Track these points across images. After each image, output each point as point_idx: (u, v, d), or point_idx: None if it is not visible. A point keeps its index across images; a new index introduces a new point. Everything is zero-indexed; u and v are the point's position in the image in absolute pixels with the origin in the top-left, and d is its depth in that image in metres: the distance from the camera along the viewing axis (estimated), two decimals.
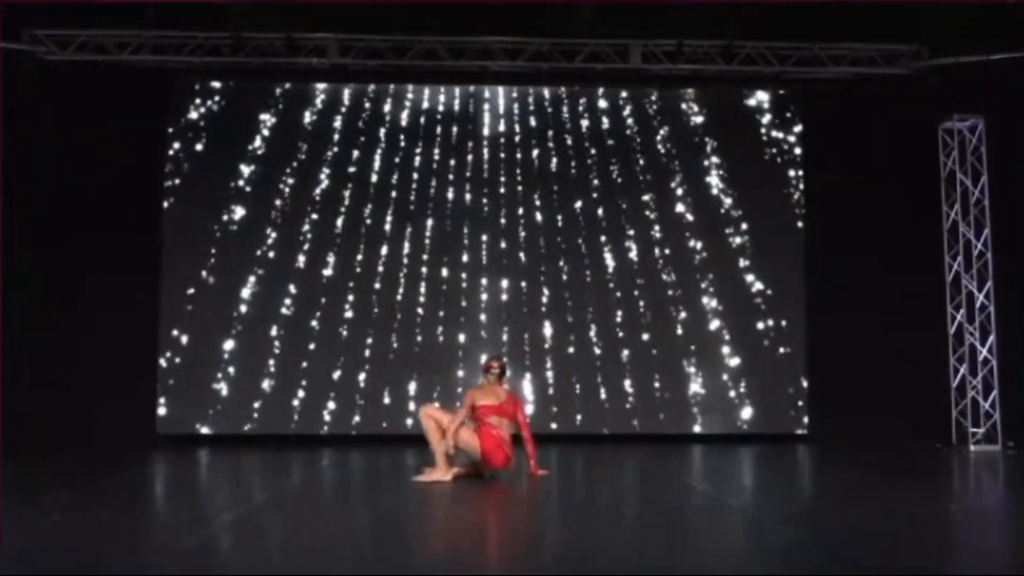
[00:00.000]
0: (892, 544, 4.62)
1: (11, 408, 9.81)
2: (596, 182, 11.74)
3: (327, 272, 11.46)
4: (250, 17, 10.80)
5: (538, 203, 11.69)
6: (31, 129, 10.76)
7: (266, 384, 11.24)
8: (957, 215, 10.99)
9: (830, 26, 10.95)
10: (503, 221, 11.68)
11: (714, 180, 11.76)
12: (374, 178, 11.62)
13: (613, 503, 6.66)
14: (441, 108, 11.83)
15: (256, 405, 11.20)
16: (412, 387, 11.22)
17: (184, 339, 11.22)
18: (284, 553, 4.62)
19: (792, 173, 11.76)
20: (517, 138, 11.81)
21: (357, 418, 11.25)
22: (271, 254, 11.45)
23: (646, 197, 11.73)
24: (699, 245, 11.67)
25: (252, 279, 11.38)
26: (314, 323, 11.36)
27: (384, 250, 11.53)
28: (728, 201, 11.73)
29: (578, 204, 11.69)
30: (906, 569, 4.05)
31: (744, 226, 11.69)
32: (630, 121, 11.85)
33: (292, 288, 11.41)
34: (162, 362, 11.15)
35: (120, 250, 11.00)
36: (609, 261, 11.62)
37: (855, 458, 9.39)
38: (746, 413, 11.44)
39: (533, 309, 11.55)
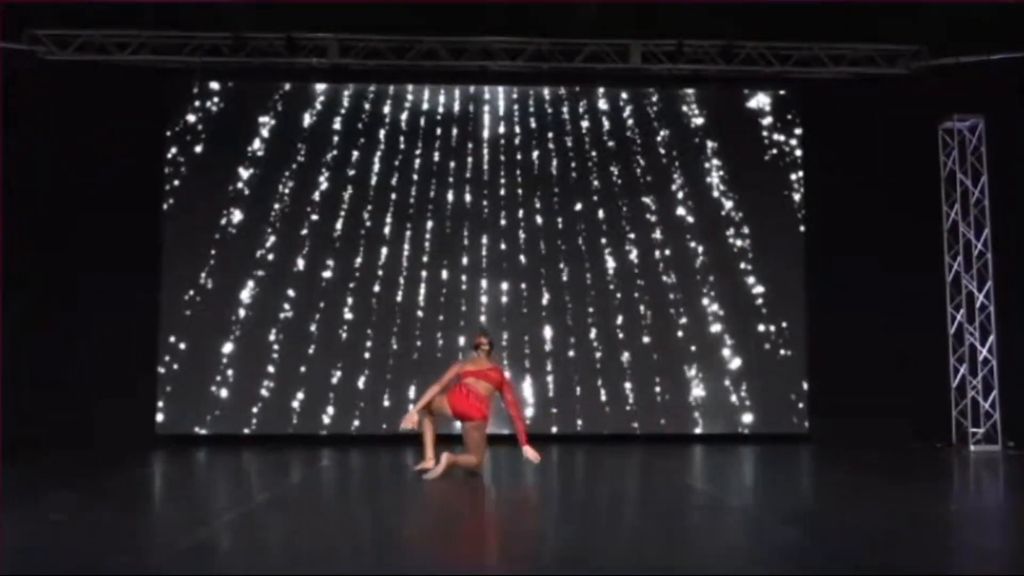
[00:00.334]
0: (892, 544, 4.62)
1: (11, 408, 9.80)
2: (596, 184, 11.72)
3: (326, 274, 11.44)
4: (250, 17, 10.78)
5: (538, 205, 11.67)
6: (31, 129, 10.75)
7: (265, 386, 11.22)
8: (957, 215, 10.99)
9: (830, 26, 10.94)
10: (503, 223, 11.66)
11: (715, 182, 11.75)
12: (374, 180, 11.60)
13: (613, 503, 6.65)
14: (441, 109, 11.82)
15: (255, 407, 11.18)
16: (412, 390, 11.21)
17: (184, 340, 11.20)
18: (284, 553, 4.61)
19: (792, 174, 11.73)
20: (517, 140, 11.79)
21: (357, 422, 11.22)
22: (271, 256, 11.42)
23: (646, 199, 11.71)
24: (699, 247, 11.65)
25: (251, 281, 11.36)
26: (313, 325, 11.34)
27: (384, 251, 11.50)
28: (728, 203, 11.71)
29: (578, 206, 11.67)
30: (906, 569, 4.05)
31: (744, 227, 11.67)
32: (630, 123, 11.83)
33: (292, 290, 11.38)
34: (162, 362, 11.13)
35: (120, 250, 10.99)
36: (609, 263, 11.61)
37: (855, 458, 9.38)
38: (746, 413, 11.42)
39: (533, 311, 11.52)
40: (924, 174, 11.13)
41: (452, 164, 11.70)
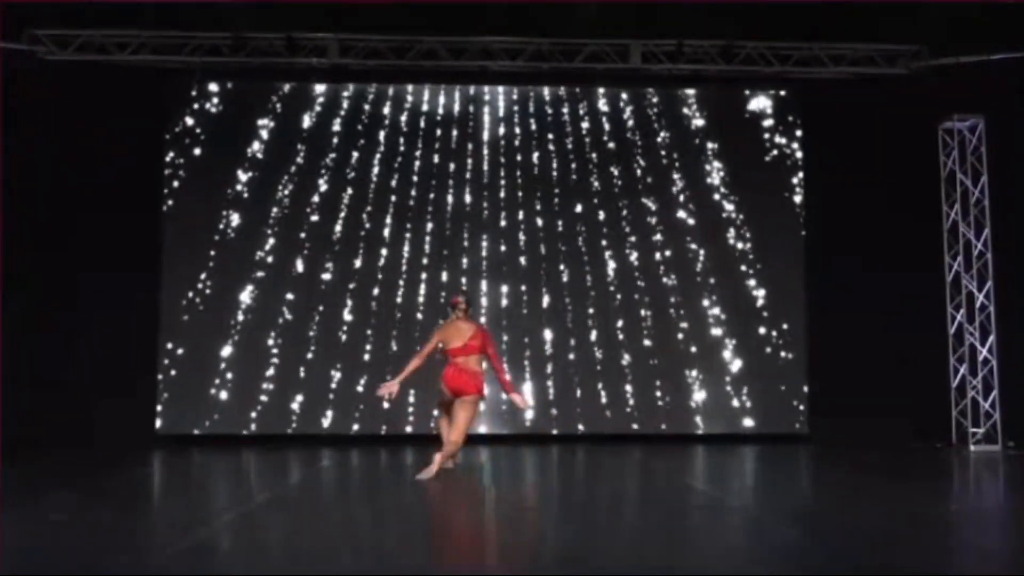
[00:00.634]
0: (892, 544, 4.62)
1: (11, 408, 9.79)
2: (596, 186, 11.70)
3: (326, 276, 11.41)
4: (250, 17, 10.77)
5: (538, 207, 11.64)
6: (31, 129, 10.74)
7: (265, 387, 11.20)
8: (957, 215, 10.99)
9: (830, 26, 10.93)
10: (503, 224, 11.64)
11: (715, 183, 11.73)
12: (374, 181, 11.58)
13: (613, 503, 6.65)
14: (440, 111, 11.79)
15: (255, 408, 11.16)
16: (412, 392, 11.19)
17: (184, 340, 11.18)
18: (284, 553, 4.61)
19: (793, 176, 11.71)
20: (517, 141, 11.77)
21: (356, 426, 11.19)
22: (270, 257, 11.40)
23: (647, 201, 11.70)
24: (700, 248, 11.63)
25: (251, 281, 11.34)
26: (313, 327, 11.31)
27: (383, 253, 11.48)
28: (729, 205, 11.69)
29: (578, 208, 11.64)
30: (906, 569, 4.05)
31: (745, 227, 11.65)
32: (631, 124, 11.81)
33: (291, 290, 11.34)
34: (162, 362, 11.11)
35: (120, 250, 10.98)
36: (610, 265, 11.59)
37: (855, 458, 9.39)
38: (746, 413, 11.41)
39: (533, 313, 11.50)
40: (924, 174, 11.13)
41: (452, 165, 11.68)
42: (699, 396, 11.41)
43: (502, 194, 11.68)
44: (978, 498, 7.21)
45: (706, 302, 11.57)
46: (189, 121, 11.46)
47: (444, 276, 11.47)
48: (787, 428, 11.41)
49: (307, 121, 11.62)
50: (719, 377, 11.45)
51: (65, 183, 10.95)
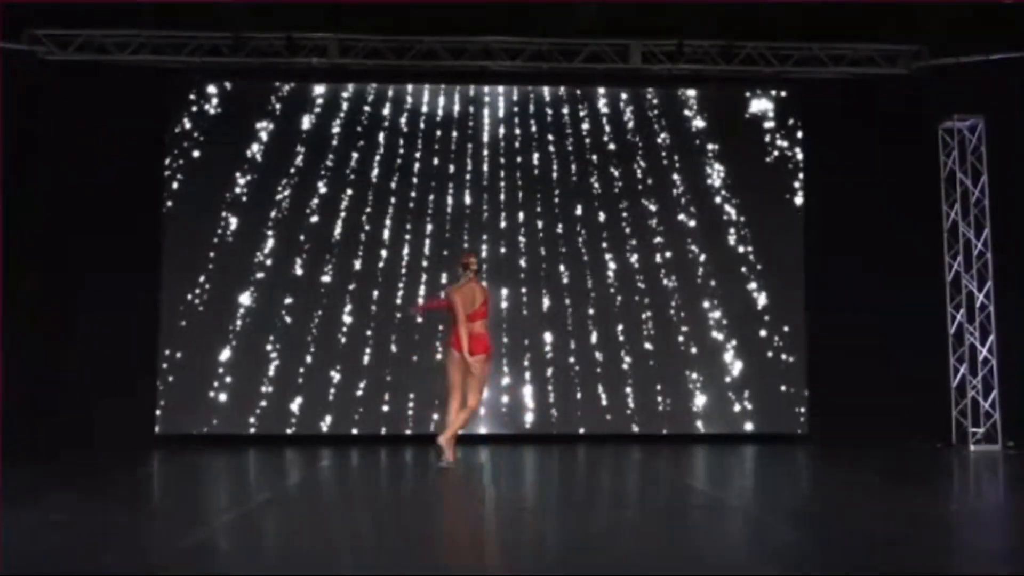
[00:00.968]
0: (892, 544, 4.61)
1: (11, 408, 9.79)
2: (597, 187, 11.68)
3: (325, 278, 11.39)
4: (250, 17, 10.77)
5: (538, 209, 11.63)
6: (31, 129, 10.74)
7: (265, 387, 11.19)
8: (957, 215, 10.99)
9: (830, 26, 10.93)
10: (503, 226, 11.63)
11: (716, 185, 11.70)
12: (373, 183, 11.55)
13: (613, 503, 6.66)
14: (440, 112, 11.78)
15: (255, 409, 11.15)
16: (411, 395, 11.19)
17: (184, 340, 11.17)
18: (284, 553, 4.61)
19: (793, 177, 11.69)
20: (517, 143, 11.75)
21: (355, 430, 11.18)
22: (270, 258, 11.37)
23: (647, 202, 11.68)
24: (700, 250, 11.61)
25: (251, 283, 11.32)
26: (312, 328, 11.29)
27: (383, 254, 11.46)
28: (729, 207, 11.67)
29: (578, 209, 11.62)
30: (906, 569, 4.05)
31: (745, 228, 11.61)
32: (631, 126, 11.79)
33: (291, 292, 11.32)
34: (162, 362, 11.11)
35: (120, 250, 10.98)
36: (610, 266, 11.57)
37: (855, 458, 9.39)
38: (746, 413, 11.41)
39: (533, 315, 11.48)
40: (924, 174, 11.12)
41: (451, 167, 11.66)
42: (700, 398, 11.38)
43: (502, 196, 11.66)
44: (978, 498, 7.21)
45: (707, 304, 11.55)
46: (191, 121, 11.45)
47: (444, 278, 11.44)
48: (787, 428, 11.41)
49: (307, 123, 11.61)
50: (719, 379, 11.43)
51: (65, 183, 10.95)
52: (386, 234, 11.51)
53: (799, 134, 11.74)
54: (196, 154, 11.41)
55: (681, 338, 11.48)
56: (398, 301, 11.41)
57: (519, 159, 11.71)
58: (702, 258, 11.62)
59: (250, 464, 9.32)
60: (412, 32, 11.06)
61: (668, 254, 11.62)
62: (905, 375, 10.91)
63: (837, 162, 11.39)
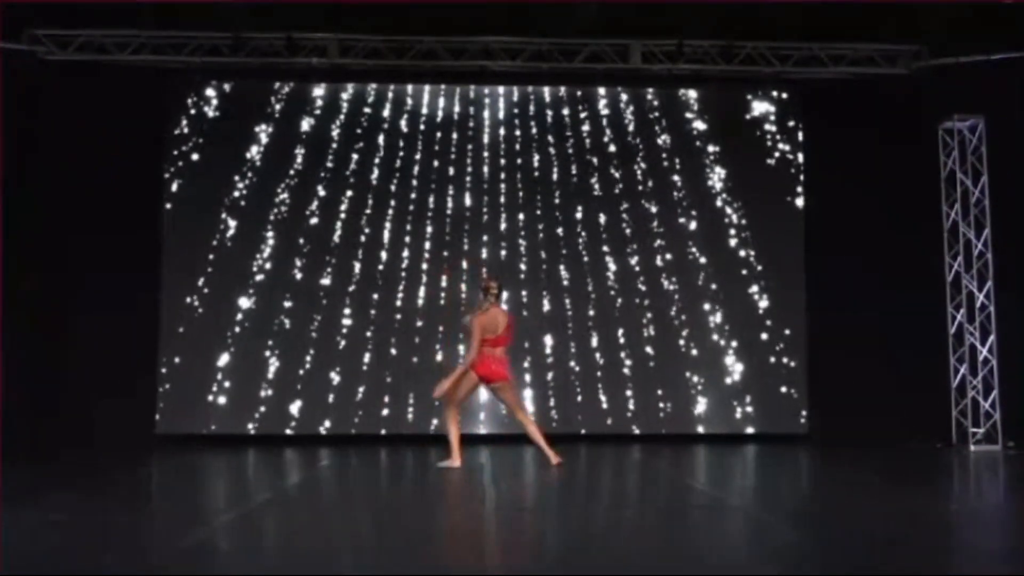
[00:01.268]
0: (893, 544, 4.61)
1: (11, 408, 9.79)
2: (597, 189, 11.66)
3: (324, 282, 11.37)
4: (250, 17, 10.76)
5: (539, 212, 11.60)
6: (31, 129, 10.73)
7: (264, 388, 11.18)
8: (957, 215, 10.98)
9: (830, 26, 10.92)
10: (503, 227, 11.60)
11: (716, 187, 11.67)
12: (373, 184, 11.52)
13: (613, 503, 6.66)
14: (440, 113, 11.76)
15: (255, 407, 11.15)
16: (411, 396, 11.18)
17: (184, 340, 11.16)
18: (284, 553, 4.61)
19: (794, 178, 11.66)
20: (517, 144, 11.73)
21: (354, 432, 11.19)
22: (270, 260, 11.34)
23: (647, 205, 11.65)
24: (700, 251, 11.59)
25: (251, 284, 11.30)
26: (312, 331, 11.27)
27: (383, 256, 11.43)
28: (729, 209, 11.65)
29: (579, 211, 11.59)
30: (907, 569, 4.05)
31: (746, 230, 11.58)
32: (631, 128, 11.78)
33: (290, 294, 11.29)
34: (162, 362, 11.10)
35: (120, 250, 10.97)
36: (611, 268, 11.55)
37: (855, 458, 9.39)
38: (747, 412, 11.40)
39: (534, 318, 11.45)
40: (924, 174, 11.12)
41: (451, 169, 11.64)
42: (700, 401, 11.36)
43: (502, 198, 11.64)
44: (978, 498, 7.21)
45: (707, 306, 11.53)
46: (191, 122, 11.43)
47: (444, 280, 11.42)
48: (787, 428, 11.39)
49: (306, 124, 11.59)
50: (720, 381, 11.41)
51: (65, 183, 10.94)
52: (386, 236, 11.49)
53: (799, 136, 11.73)
54: (195, 155, 11.40)
55: (682, 340, 11.46)
56: (398, 303, 11.38)
57: (519, 161, 11.70)
58: (702, 260, 11.60)
59: (250, 464, 9.31)
60: (412, 32, 11.06)
61: (668, 256, 11.60)
62: (905, 375, 10.91)
63: (837, 162, 11.39)
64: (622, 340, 11.46)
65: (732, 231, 11.65)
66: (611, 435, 11.29)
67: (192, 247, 11.27)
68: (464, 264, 11.50)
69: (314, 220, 11.45)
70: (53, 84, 10.89)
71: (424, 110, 11.73)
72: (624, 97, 11.84)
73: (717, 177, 11.71)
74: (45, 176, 10.93)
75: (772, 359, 11.45)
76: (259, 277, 11.34)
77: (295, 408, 11.16)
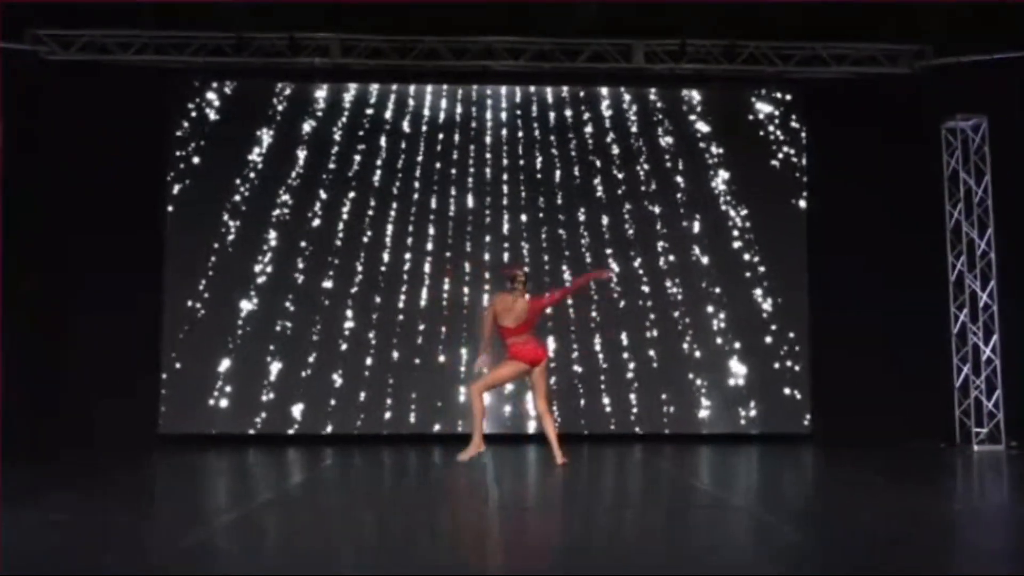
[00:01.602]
0: (896, 544, 4.60)
1: (11, 408, 9.77)
2: (600, 190, 11.62)
3: (326, 283, 11.34)
4: (253, 17, 10.76)
5: (542, 213, 11.58)
6: (31, 129, 10.72)
7: (266, 388, 11.15)
8: (960, 215, 10.96)
9: (832, 26, 10.91)
10: (506, 229, 11.58)
11: (719, 189, 11.63)
12: (375, 186, 11.49)
13: (616, 502, 6.64)
14: (442, 115, 11.74)
15: (257, 407, 11.12)
16: (412, 396, 11.16)
17: (185, 340, 11.14)
18: (285, 553, 4.60)
19: (797, 180, 11.61)
20: (520, 145, 11.70)
21: (356, 431, 11.17)
22: (272, 262, 11.31)
23: (650, 206, 11.62)
24: (703, 253, 11.55)
25: (253, 285, 11.27)
26: (314, 333, 11.22)
27: (385, 258, 11.41)
28: (733, 211, 11.62)
29: (582, 213, 11.55)
30: (909, 569, 4.03)
31: (749, 232, 11.54)
32: (634, 129, 11.75)
33: (292, 295, 11.25)
34: (163, 362, 11.08)
35: (120, 251, 10.96)
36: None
37: (858, 458, 9.36)
38: (749, 412, 11.37)
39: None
40: (927, 174, 11.10)
41: (454, 170, 11.62)
42: (704, 403, 11.33)
43: (505, 200, 11.63)
44: (981, 498, 7.19)
45: (710, 308, 11.50)
46: (192, 123, 11.42)
47: (446, 282, 11.40)
48: (789, 426, 11.37)
49: (308, 126, 11.57)
50: (723, 383, 11.37)
51: (65, 183, 10.93)
52: (388, 237, 11.47)
53: (803, 136, 11.70)
54: (197, 157, 11.38)
55: (685, 343, 11.44)
56: (400, 305, 11.36)
57: (522, 162, 11.67)
58: (705, 261, 11.57)
59: (251, 464, 9.30)
60: (414, 32, 11.05)
61: (672, 258, 11.57)
62: (908, 375, 10.89)
63: (839, 162, 11.36)
64: (625, 342, 11.42)
65: (735, 233, 11.62)
66: (614, 435, 11.26)
67: (194, 249, 11.24)
68: (467, 266, 11.48)
69: (316, 222, 11.42)
70: (54, 84, 10.88)
71: (426, 111, 11.71)
72: (627, 98, 11.81)
73: (720, 179, 11.69)
74: (46, 176, 10.92)
75: (776, 363, 11.41)
76: (261, 279, 11.32)
77: (297, 411, 11.13)
